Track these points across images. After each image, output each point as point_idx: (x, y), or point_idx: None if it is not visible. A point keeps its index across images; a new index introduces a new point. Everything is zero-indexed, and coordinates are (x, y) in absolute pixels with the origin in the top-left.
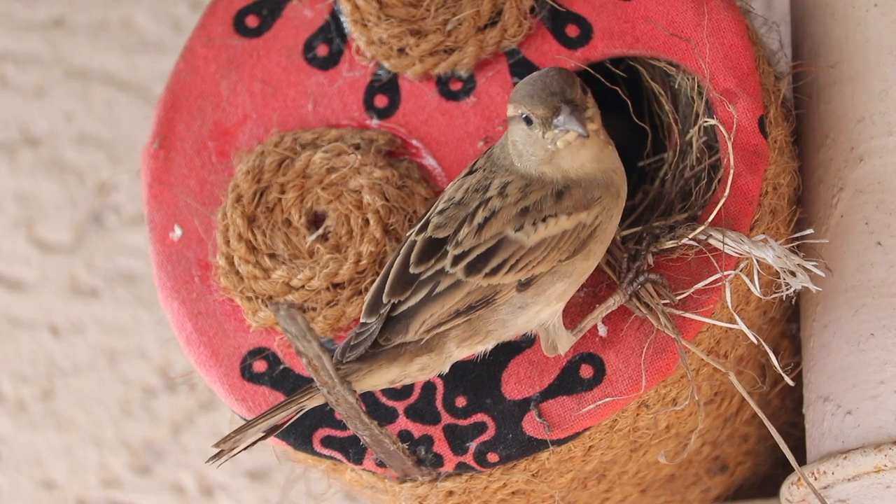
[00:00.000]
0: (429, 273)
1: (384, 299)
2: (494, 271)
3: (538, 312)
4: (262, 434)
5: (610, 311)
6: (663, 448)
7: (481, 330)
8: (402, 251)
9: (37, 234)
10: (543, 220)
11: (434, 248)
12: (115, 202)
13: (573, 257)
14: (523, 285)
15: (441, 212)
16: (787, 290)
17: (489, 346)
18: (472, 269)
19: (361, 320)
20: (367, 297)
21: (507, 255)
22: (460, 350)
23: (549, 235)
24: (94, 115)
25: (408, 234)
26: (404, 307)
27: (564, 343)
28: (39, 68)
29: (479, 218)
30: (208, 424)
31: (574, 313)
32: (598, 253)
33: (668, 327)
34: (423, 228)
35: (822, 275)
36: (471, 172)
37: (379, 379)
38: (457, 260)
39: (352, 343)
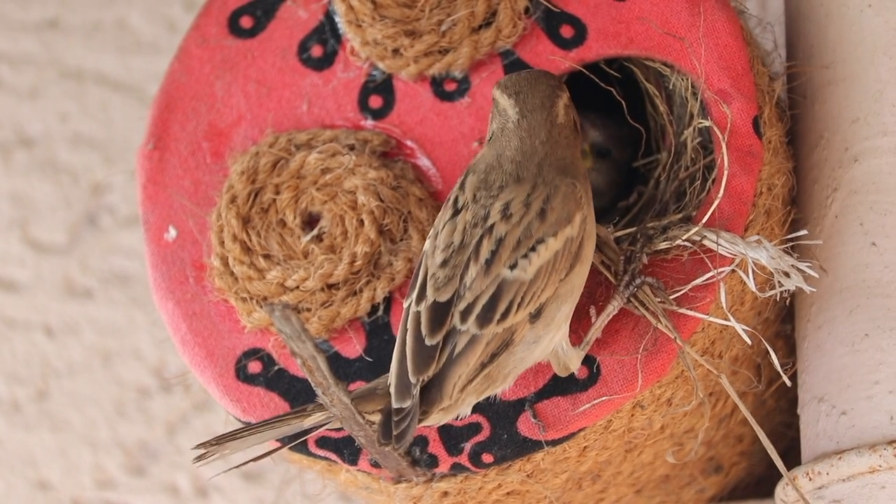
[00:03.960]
0: (442, 336)
1: (412, 379)
2: (505, 315)
3: (552, 340)
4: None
5: (611, 317)
6: (658, 448)
7: (499, 376)
8: (408, 326)
9: (31, 234)
10: (533, 248)
11: (442, 314)
12: (110, 203)
13: (570, 272)
14: (534, 317)
15: (443, 264)
16: (781, 288)
17: (509, 385)
18: (483, 321)
19: (395, 406)
20: (392, 381)
21: (511, 296)
22: (480, 399)
23: (545, 262)
24: (88, 115)
25: (406, 304)
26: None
27: (575, 362)
28: (34, 69)
29: (484, 253)
30: (203, 425)
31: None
32: (590, 253)
33: (668, 327)
34: (423, 294)
35: (816, 275)
36: (457, 212)
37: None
38: (465, 315)
39: (396, 433)
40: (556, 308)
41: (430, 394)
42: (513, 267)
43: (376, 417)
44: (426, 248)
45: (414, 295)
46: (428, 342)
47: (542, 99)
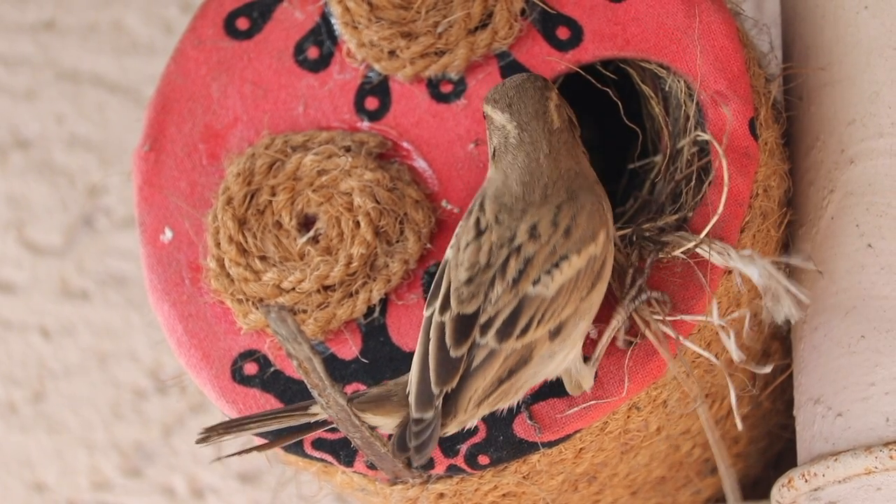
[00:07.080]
0: (466, 348)
1: (434, 390)
2: (525, 331)
3: (566, 356)
4: (267, 441)
5: (615, 331)
6: (654, 450)
7: (511, 390)
8: (431, 336)
9: (27, 236)
10: (557, 265)
11: (467, 326)
12: (106, 204)
13: (592, 291)
14: (554, 334)
15: (468, 281)
16: (769, 315)
17: (519, 399)
18: (503, 335)
19: (415, 416)
20: (412, 390)
21: (532, 312)
22: (490, 411)
23: (567, 280)
24: (84, 117)
25: (428, 314)
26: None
27: (588, 379)
28: (30, 70)
29: (511, 272)
30: (199, 427)
31: None
32: (610, 270)
33: (662, 344)
34: (446, 305)
35: (808, 301)
36: (480, 233)
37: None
38: (485, 328)
39: (414, 445)
40: (574, 325)
41: (445, 406)
42: (535, 283)
43: (383, 422)
44: (448, 256)
45: (437, 304)
46: (453, 354)
47: (534, 107)
